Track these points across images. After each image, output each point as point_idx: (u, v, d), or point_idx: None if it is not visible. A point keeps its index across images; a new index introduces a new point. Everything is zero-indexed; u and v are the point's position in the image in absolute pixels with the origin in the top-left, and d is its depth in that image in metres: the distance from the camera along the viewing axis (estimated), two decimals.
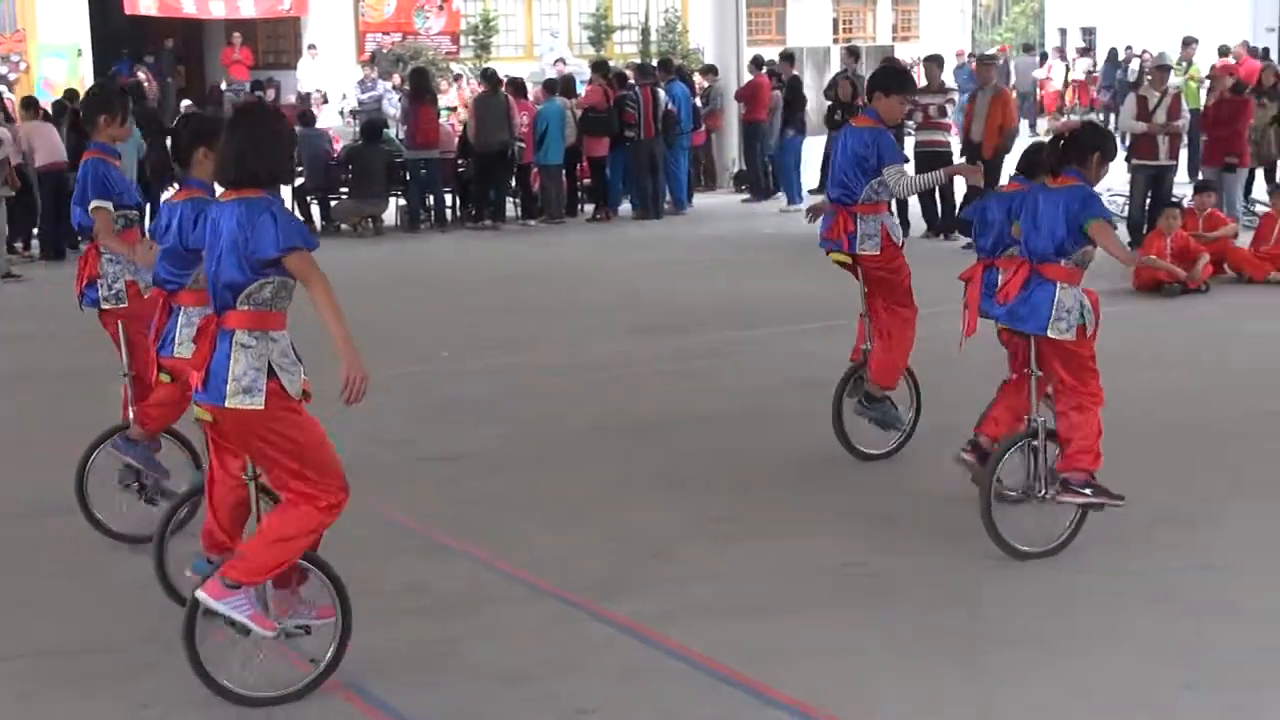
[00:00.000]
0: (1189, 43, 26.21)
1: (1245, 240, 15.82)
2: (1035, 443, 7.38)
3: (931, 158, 18.67)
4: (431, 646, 6.39)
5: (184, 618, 5.77)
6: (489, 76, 22.28)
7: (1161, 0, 40.83)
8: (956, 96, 21.09)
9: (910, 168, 10.64)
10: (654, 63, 25.60)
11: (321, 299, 5.55)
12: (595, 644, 6.42)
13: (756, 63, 24.70)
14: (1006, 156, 17.64)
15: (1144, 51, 31.09)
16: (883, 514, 8.08)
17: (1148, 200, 17.13)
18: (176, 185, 7.28)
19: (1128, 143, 17.57)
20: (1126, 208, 17.44)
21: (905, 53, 36.31)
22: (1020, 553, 7.28)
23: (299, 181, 21.01)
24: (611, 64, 25.86)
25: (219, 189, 6.06)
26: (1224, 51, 28.67)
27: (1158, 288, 14.29)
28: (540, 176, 21.94)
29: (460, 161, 21.79)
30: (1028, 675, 5.98)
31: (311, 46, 33.09)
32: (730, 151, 25.07)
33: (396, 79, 29.38)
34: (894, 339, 8.90)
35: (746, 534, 7.81)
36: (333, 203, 21.20)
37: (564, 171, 22.05)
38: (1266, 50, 32.35)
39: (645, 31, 37.80)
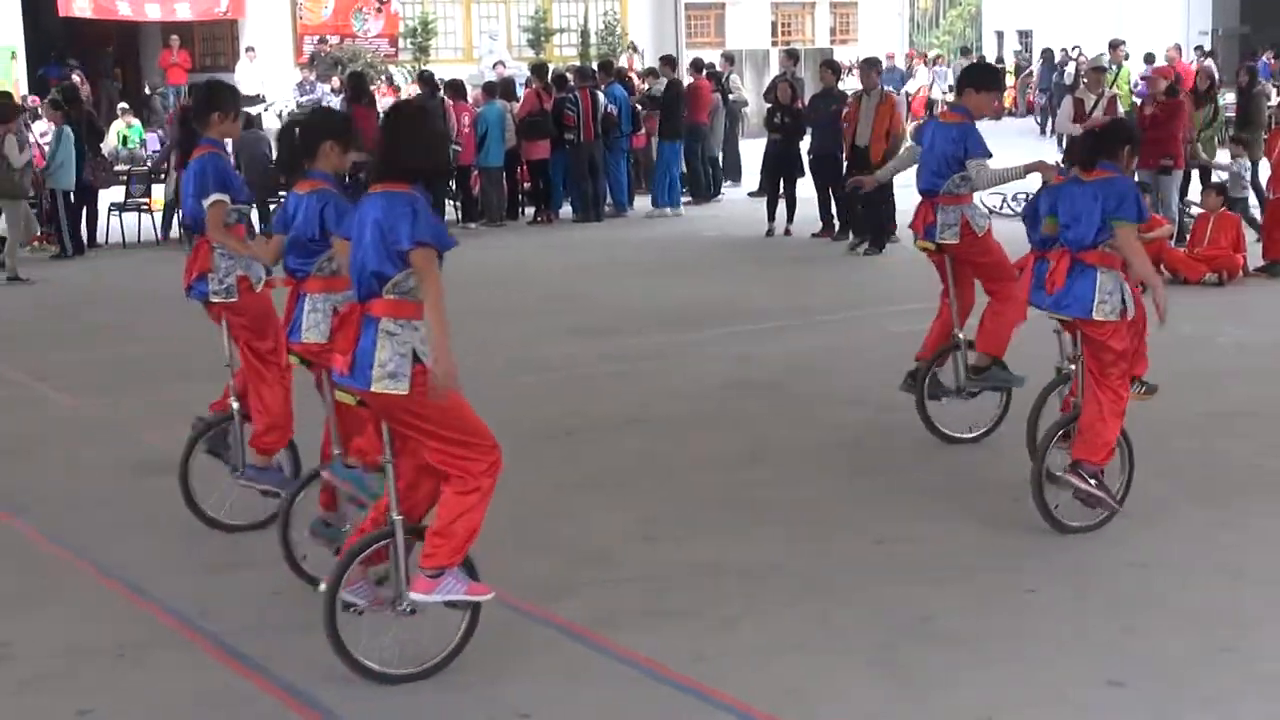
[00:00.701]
0: (1116, 45, 26.42)
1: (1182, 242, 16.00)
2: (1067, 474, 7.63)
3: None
4: (375, 651, 6.35)
5: (324, 607, 5.93)
6: (425, 79, 22.22)
7: (1097, 3, 41.19)
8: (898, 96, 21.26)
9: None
10: (593, 65, 25.62)
11: (431, 299, 5.79)
12: (537, 647, 6.42)
13: (696, 65, 24.76)
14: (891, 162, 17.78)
15: (1080, 54, 31.35)
16: (822, 517, 8.11)
17: None
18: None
19: (1064, 146, 17.68)
20: None
21: (843, 55, 36.44)
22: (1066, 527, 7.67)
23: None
24: (551, 67, 25.86)
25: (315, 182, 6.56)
26: (1149, 59, 28.93)
27: None
28: (480, 179, 21.90)
29: None
30: (960, 675, 6.03)
31: (249, 49, 32.96)
32: (677, 153, 25.06)
33: (335, 82, 29.29)
34: (1003, 310, 9.15)
35: (687, 536, 7.83)
36: (272, 206, 21.07)
37: (504, 174, 22.03)
38: (1212, 52, 32.70)
39: (584, 34, 37.83)
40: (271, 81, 32.15)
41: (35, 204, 19.28)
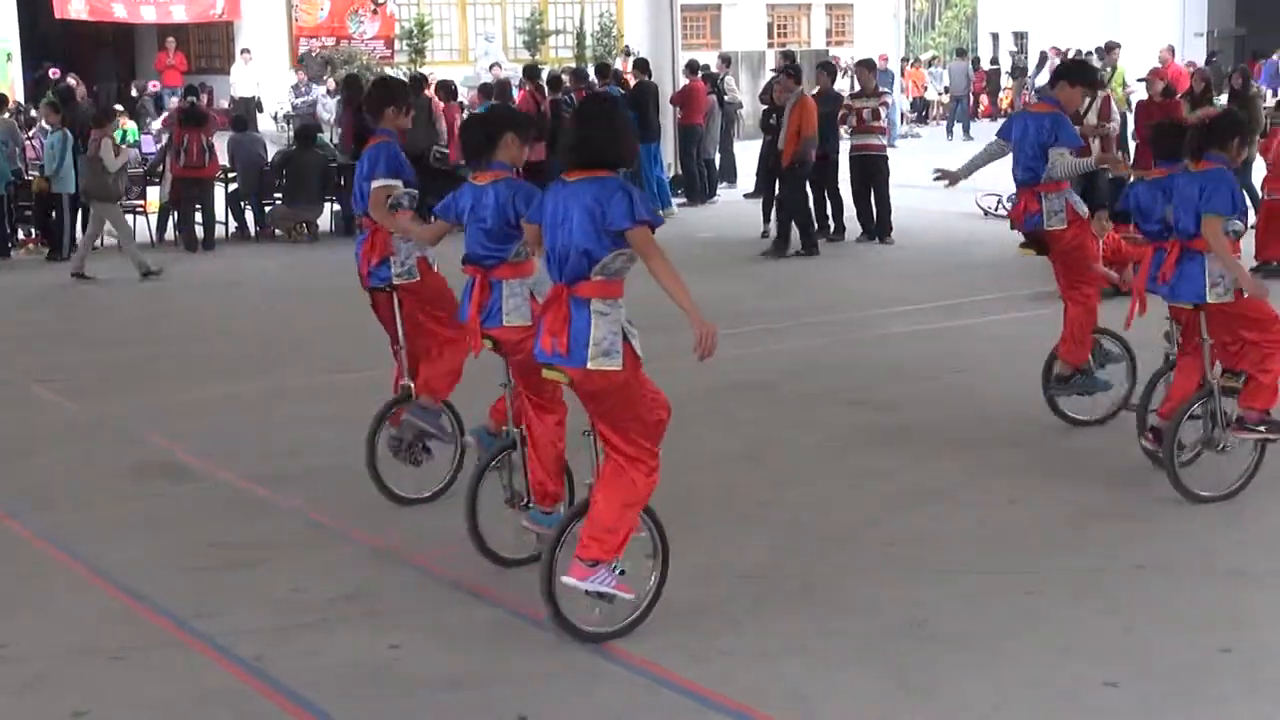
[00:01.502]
0: (1111, 48, 26.44)
1: None
2: (1211, 403, 8.07)
3: (867, 162, 18.85)
4: (371, 654, 6.36)
5: (542, 579, 6.27)
6: (414, 80, 22.24)
7: (1092, 5, 41.19)
8: (890, 100, 21.27)
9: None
10: (589, 68, 25.62)
11: (662, 269, 6.15)
12: (535, 650, 6.41)
13: (691, 67, 24.76)
14: (805, 164, 17.79)
15: (1065, 54, 31.34)
16: (821, 518, 8.10)
17: None
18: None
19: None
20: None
21: (840, 57, 36.43)
22: (1202, 498, 8.00)
23: (233, 187, 20.90)
24: (547, 69, 25.85)
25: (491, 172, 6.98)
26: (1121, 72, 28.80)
27: None
28: None
29: None
30: (959, 676, 6.02)
31: (245, 51, 32.94)
32: (666, 156, 25.09)
33: (331, 83, 29.27)
34: (1076, 316, 9.54)
35: (686, 538, 7.79)
36: (267, 208, 21.08)
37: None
38: (1213, 54, 32.64)
39: (580, 36, 37.83)
40: (267, 84, 32.15)
41: (29, 206, 19.34)
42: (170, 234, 20.13)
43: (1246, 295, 7.85)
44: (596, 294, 6.16)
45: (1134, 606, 6.72)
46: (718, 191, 24.52)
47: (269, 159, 21.35)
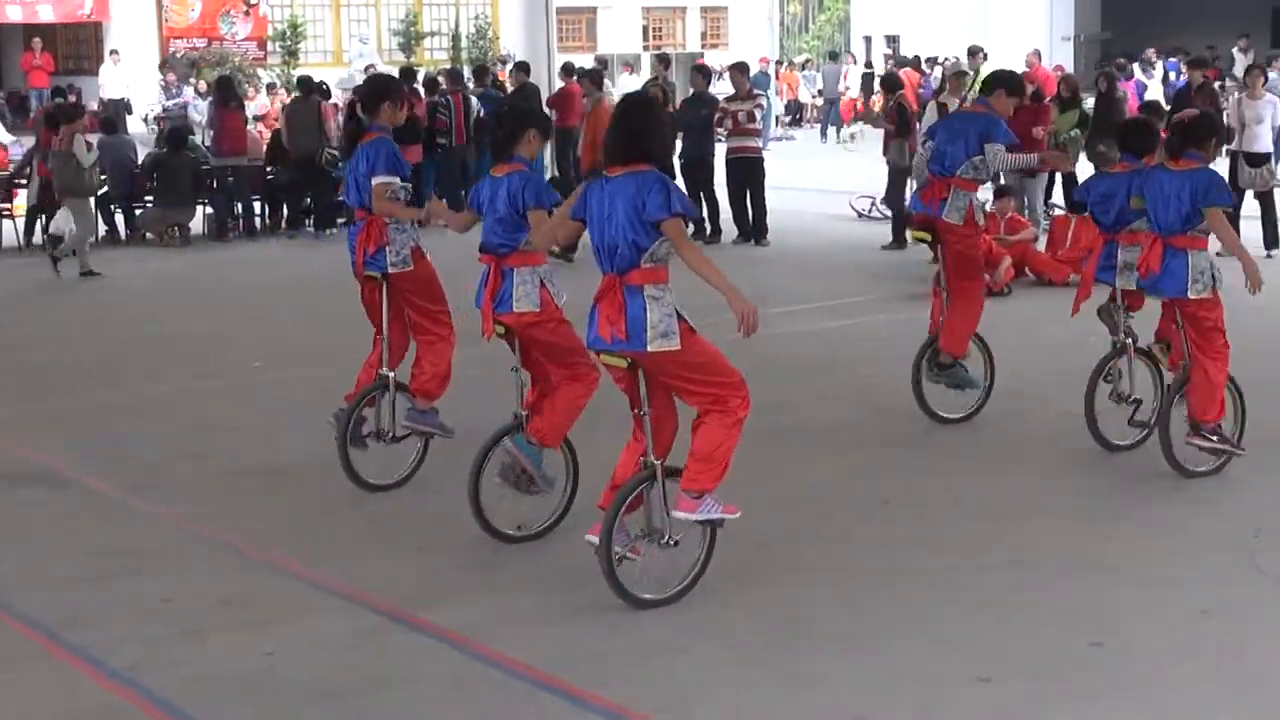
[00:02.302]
0: (974, 52, 26.78)
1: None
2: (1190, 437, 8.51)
3: (744, 164, 18.94)
4: (246, 663, 6.30)
5: (600, 556, 6.64)
6: (302, 83, 22.06)
7: (962, 9, 41.74)
8: (765, 102, 21.40)
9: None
10: (464, 69, 25.54)
11: (695, 258, 6.56)
12: (412, 655, 6.38)
13: (568, 70, 24.75)
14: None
15: (946, 59, 31.78)
16: None
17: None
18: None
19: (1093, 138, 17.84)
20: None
21: (714, 60, 36.61)
22: (1191, 473, 8.56)
23: (103, 190, 20.57)
24: (422, 71, 25.73)
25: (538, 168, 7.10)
26: (971, 60, 29.04)
27: None
28: None
29: (269, 169, 21.51)
30: (834, 674, 6.08)
31: (114, 52, 32.43)
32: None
33: (203, 85, 28.93)
34: (963, 310, 9.85)
35: (561, 539, 7.82)
36: (137, 211, 20.77)
37: None
38: (1107, 59, 33.08)
39: (456, 38, 37.70)
40: (137, 85, 31.69)
41: None
42: (38, 238, 19.77)
43: (1250, 282, 8.32)
44: (647, 280, 6.56)
45: (1007, 603, 6.82)
46: None
47: (139, 162, 21.04)
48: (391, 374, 8.69)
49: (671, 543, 6.80)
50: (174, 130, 21.48)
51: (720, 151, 19.38)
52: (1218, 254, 8.93)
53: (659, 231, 6.50)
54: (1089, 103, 20.41)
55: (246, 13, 35.27)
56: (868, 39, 47.82)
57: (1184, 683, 5.95)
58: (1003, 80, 10.30)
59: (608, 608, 6.81)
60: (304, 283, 17.04)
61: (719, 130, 19.38)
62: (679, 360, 6.60)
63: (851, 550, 7.57)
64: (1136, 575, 7.19)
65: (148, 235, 20.43)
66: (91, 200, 18.32)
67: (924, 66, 35.74)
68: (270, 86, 30.89)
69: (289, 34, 35.57)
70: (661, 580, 6.83)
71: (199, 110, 27.27)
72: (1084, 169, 17.80)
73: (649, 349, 6.52)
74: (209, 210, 21.05)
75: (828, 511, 8.20)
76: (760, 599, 6.91)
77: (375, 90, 8.90)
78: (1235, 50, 35.32)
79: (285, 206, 21.51)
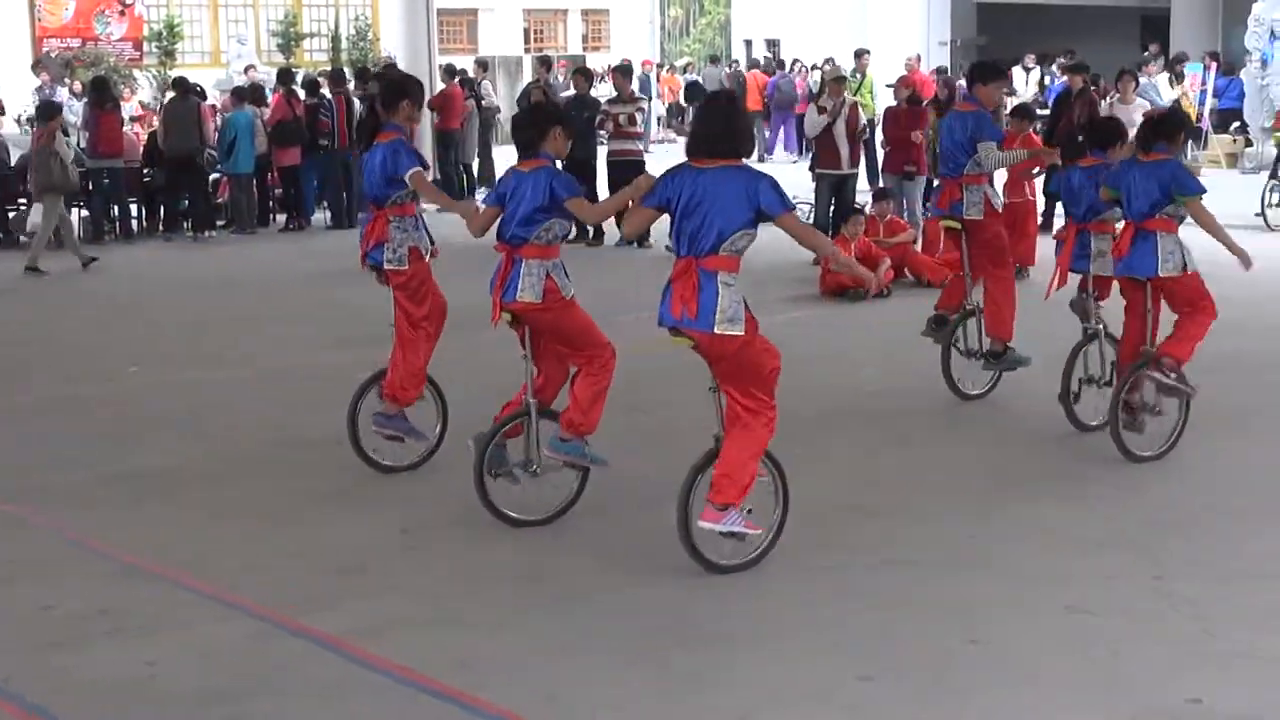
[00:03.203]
0: (861, 54, 27.09)
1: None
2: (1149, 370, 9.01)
3: (625, 166, 18.96)
4: (127, 672, 6.22)
5: (679, 523, 7.09)
6: (179, 83, 21.81)
7: (841, 14, 42.09)
8: (646, 105, 21.48)
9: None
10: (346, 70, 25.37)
11: (817, 237, 7.62)
12: (294, 661, 6.34)
13: (449, 71, 24.68)
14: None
15: (826, 63, 32.01)
16: (581, 520, 8.13)
17: (831, 206, 17.66)
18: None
19: (811, 153, 18.06)
20: (812, 214, 17.93)
21: (596, 62, 36.65)
22: (1137, 457, 9.06)
23: None
24: (301, 72, 25.52)
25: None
26: (910, 86, 29.45)
27: (843, 292, 14.79)
28: (230, 186, 21.50)
29: (145, 170, 21.24)
30: (718, 675, 6.11)
31: None
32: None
33: (77, 85, 28.49)
34: (1001, 296, 10.42)
35: (440, 543, 7.81)
36: (11, 214, 20.41)
37: (254, 181, 21.65)
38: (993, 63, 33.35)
39: (335, 39, 37.43)
40: (8, 85, 31.13)
41: None
42: None
43: (1240, 261, 9.10)
44: (723, 267, 6.94)
45: (885, 601, 6.90)
46: (476, 196, 24.47)
47: (12, 163, 20.69)
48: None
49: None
50: None
51: (602, 154, 19.42)
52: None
53: (749, 225, 6.92)
54: None
55: (122, 12, 34.82)
56: (748, 42, 48.07)
57: (1059, 679, 6.05)
58: (977, 73, 10.84)
59: (489, 610, 6.81)
60: (182, 285, 16.85)
61: (600, 133, 19.42)
62: (738, 349, 6.96)
63: (734, 551, 7.60)
64: (1005, 570, 7.30)
65: (21, 238, 20.09)
66: (62, 198, 18.46)
67: (779, 68, 36.00)
68: (168, 86, 30.57)
69: (165, 34, 35.12)
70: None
71: (74, 111, 26.82)
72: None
73: (714, 331, 6.88)
74: (84, 213, 20.74)
75: None
76: (641, 600, 6.94)
77: (395, 89, 9.15)
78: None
79: (162, 209, 21.26)
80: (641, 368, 10.16)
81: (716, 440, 7.18)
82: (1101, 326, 9.64)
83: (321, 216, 22.36)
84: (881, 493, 8.58)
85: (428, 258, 8.95)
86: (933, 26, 41.73)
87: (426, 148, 24.51)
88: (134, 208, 21.37)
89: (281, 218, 22.25)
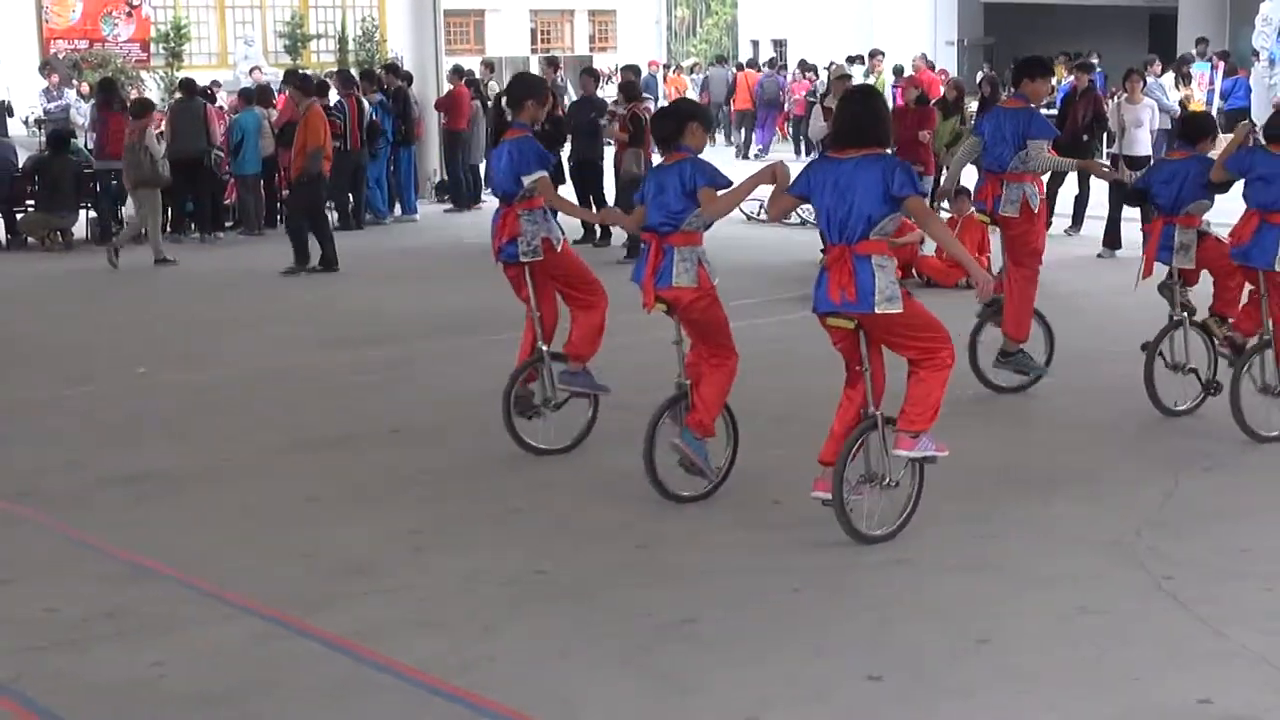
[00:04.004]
0: (875, 54, 27.12)
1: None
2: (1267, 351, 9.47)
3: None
4: (133, 673, 6.21)
5: (835, 501, 7.46)
6: (184, 84, 21.81)
7: (848, 14, 42.10)
8: (653, 105, 21.47)
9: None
10: (354, 72, 25.39)
11: (943, 230, 7.89)
12: (301, 662, 6.34)
13: (457, 72, 24.68)
14: (315, 176, 17.63)
15: (831, 63, 32.03)
16: (583, 522, 8.15)
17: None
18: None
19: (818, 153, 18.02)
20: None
21: (602, 63, 36.67)
22: (1261, 437, 9.36)
23: None
24: (309, 73, 25.51)
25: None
26: (899, 71, 29.66)
27: (936, 284, 14.88)
28: (237, 187, 21.52)
29: None
30: (723, 675, 6.10)
31: None
32: (431, 161, 24.99)
33: (85, 87, 28.51)
34: (1020, 296, 10.53)
35: (446, 544, 7.80)
36: (18, 215, 20.44)
37: (261, 182, 21.66)
38: (996, 70, 33.34)
39: (342, 40, 37.46)
40: (17, 87, 31.18)
41: None
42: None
43: None
44: (875, 251, 7.30)
45: (891, 601, 6.89)
46: (482, 197, 24.49)
47: (20, 165, 20.72)
48: (545, 347, 9.33)
49: (892, 484, 7.63)
50: (56, 133, 21.18)
51: (609, 154, 19.42)
52: None
53: (893, 208, 7.27)
54: (974, 106, 20.69)
55: (129, 14, 34.84)
56: (755, 43, 48.10)
57: (1066, 679, 6.03)
58: (1024, 69, 10.87)
59: (494, 612, 6.81)
60: (187, 286, 16.87)
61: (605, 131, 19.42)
62: (900, 320, 7.33)
63: (733, 551, 7.61)
64: (1011, 570, 7.29)
65: (29, 239, 20.13)
66: (159, 192, 18.95)
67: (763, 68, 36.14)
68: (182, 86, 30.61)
69: (173, 36, 35.15)
70: (884, 518, 7.66)
71: (82, 113, 26.86)
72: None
73: (876, 311, 7.26)
74: (92, 214, 20.77)
75: (714, 514, 8.23)
76: (643, 601, 6.93)
77: (521, 89, 9.48)
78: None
79: (169, 210, 21.27)
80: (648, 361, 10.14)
81: (865, 413, 7.63)
82: (1187, 315, 9.90)
83: (329, 218, 22.35)
84: None
85: (559, 248, 9.18)
86: (940, 26, 41.74)
87: (434, 149, 24.61)
88: None
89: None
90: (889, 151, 7.58)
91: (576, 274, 9.33)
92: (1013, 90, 11.79)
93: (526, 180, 9.01)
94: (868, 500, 7.64)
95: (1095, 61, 29.49)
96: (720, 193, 8.06)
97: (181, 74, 27.73)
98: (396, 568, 7.47)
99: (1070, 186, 18.69)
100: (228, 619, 6.84)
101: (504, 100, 9.67)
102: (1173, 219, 9.79)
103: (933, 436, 7.56)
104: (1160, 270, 10.03)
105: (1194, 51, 28.32)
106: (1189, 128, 10.33)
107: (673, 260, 8.10)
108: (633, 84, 19.64)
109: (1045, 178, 12.10)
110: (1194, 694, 5.84)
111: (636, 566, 7.40)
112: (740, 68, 37.79)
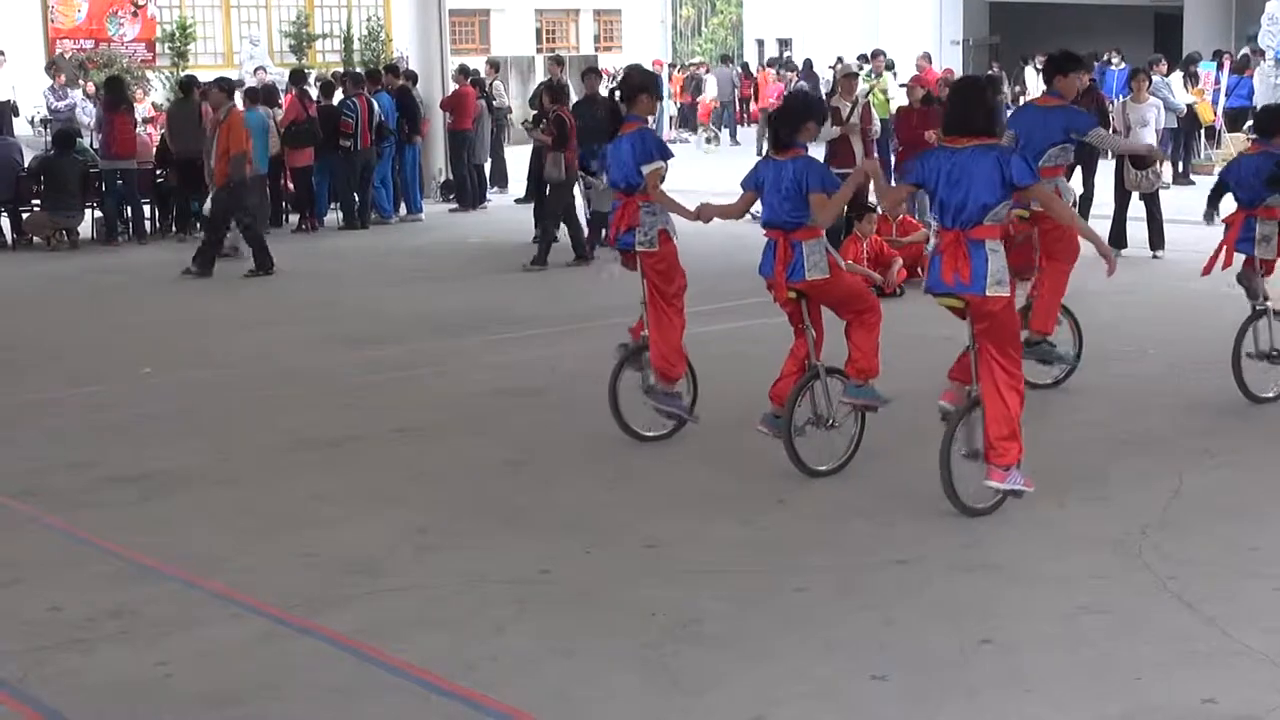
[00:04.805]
0: (877, 54, 27.10)
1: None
2: None
3: None
4: (139, 673, 6.22)
5: (941, 464, 7.96)
6: (183, 83, 21.84)
7: (853, 13, 42.08)
8: (658, 105, 21.42)
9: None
10: (361, 71, 25.39)
11: (1061, 210, 8.54)
12: (306, 661, 6.34)
13: (463, 71, 24.69)
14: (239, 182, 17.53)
15: (838, 61, 32.01)
16: (587, 521, 8.15)
17: (845, 206, 17.60)
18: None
19: (825, 153, 18.02)
20: None
21: (608, 62, 36.65)
22: None
23: None
24: (313, 72, 25.55)
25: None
26: (890, 66, 29.57)
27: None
28: None
29: (158, 172, 21.27)
30: (729, 675, 6.10)
31: None
32: (437, 161, 25.01)
33: (90, 87, 28.53)
34: (1050, 288, 10.61)
35: (451, 544, 7.80)
36: (24, 215, 20.47)
37: (266, 182, 21.67)
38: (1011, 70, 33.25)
39: (348, 40, 37.47)
40: (22, 87, 31.17)
41: None
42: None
43: None
44: (989, 236, 7.67)
45: (896, 601, 6.88)
46: (488, 197, 24.51)
47: (25, 164, 20.74)
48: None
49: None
50: (61, 132, 21.22)
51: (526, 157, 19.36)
52: None
53: (1008, 194, 7.63)
54: None
55: (135, 14, 34.85)
56: (760, 42, 48.10)
57: (1068, 679, 6.03)
58: (1056, 65, 10.93)
59: (498, 611, 6.81)
60: (192, 285, 16.88)
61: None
62: (1003, 308, 7.72)
63: (740, 550, 7.61)
64: (1015, 571, 7.28)
65: (35, 239, 20.15)
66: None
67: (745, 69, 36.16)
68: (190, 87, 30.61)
69: (178, 35, 35.16)
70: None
71: (87, 112, 26.88)
72: None
73: (986, 294, 7.61)
74: (98, 214, 20.79)
75: (719, 514, 8.23)
76: (649, 600, 6.92)
77: (634, 84, 9.75)
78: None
79: (175, 209, 21.30)
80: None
81: (970, 396, 8.08)
82: (1270, 304, 10.18)
83: (334, 217, 22.40)
84: (886, 492, 8.56)
85: (675, 240, 9.45)
86: (945, 25, 41.73)
87: (439, 149, 24.63)
88: (146, 209, 21.40)
89: (294, 218, 22.27)
90: (1001, 141, 7.94)
91: (668, 278, 9.50)
92: (1044, 88, 11.78)
93: (646, 169, 9.26)
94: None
95: (1116, 59, 29.51)
96: (830, 199, 8.44)
97: (187, 74, 27.67)
98: (401, 567, 7.47)
99: (1074, 185, 18.64)
100: (233, 618, 6.84)
101: (617, 95, 9.75)
102: (1253, 211, 10.12)
103: (1023, 470, 7.86)
104: (1221, 264, 10.30)
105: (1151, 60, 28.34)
106: (1262, 122, 10.60)
107: (803, 255, 8.50)
108: (561, 86, 19.56)
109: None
110: (1199, 694, 5.83)
111: (642, 566, 7.40)
112: (746, 69, 37.79)
